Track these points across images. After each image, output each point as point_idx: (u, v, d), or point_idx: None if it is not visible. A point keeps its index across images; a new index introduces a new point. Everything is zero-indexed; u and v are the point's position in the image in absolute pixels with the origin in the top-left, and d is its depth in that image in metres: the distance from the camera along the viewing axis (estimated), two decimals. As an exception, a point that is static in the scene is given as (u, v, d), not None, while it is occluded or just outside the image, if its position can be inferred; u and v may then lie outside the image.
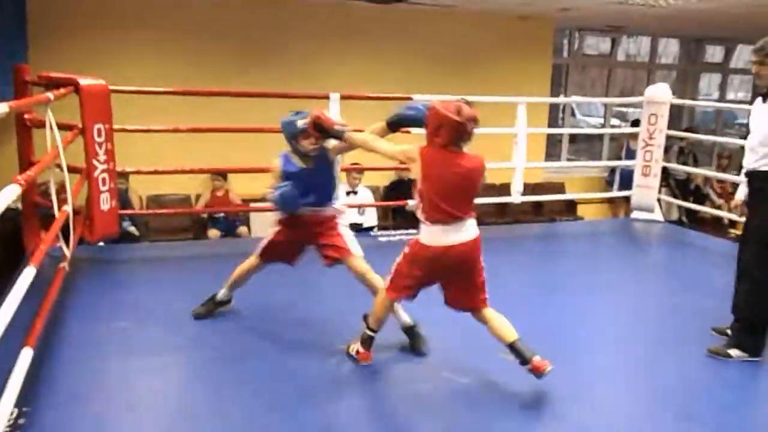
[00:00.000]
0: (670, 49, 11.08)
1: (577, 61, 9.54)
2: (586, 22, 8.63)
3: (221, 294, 3.58)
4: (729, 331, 3.39)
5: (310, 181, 3.20)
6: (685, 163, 8.57)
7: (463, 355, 3.15)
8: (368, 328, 3.03)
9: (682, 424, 2.64)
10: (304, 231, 3.32)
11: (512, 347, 2.79)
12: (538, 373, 2.72)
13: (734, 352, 3.17)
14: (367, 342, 3.03)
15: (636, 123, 9.02)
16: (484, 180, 2.91)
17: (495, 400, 2.77)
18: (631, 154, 8.26)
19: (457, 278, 2.88)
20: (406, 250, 2.92)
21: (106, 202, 4.45)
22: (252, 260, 3.50)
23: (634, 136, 8.15)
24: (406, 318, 3.19)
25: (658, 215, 6.29)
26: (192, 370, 3.03)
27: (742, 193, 3.49)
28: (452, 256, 2.79)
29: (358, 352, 3.04)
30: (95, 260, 4.52)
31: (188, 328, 3.41)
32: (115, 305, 3.65)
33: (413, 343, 3.17)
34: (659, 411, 2.75)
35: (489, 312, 2.89)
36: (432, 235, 2.80)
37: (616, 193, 7.22)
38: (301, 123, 3.15)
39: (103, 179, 4.41)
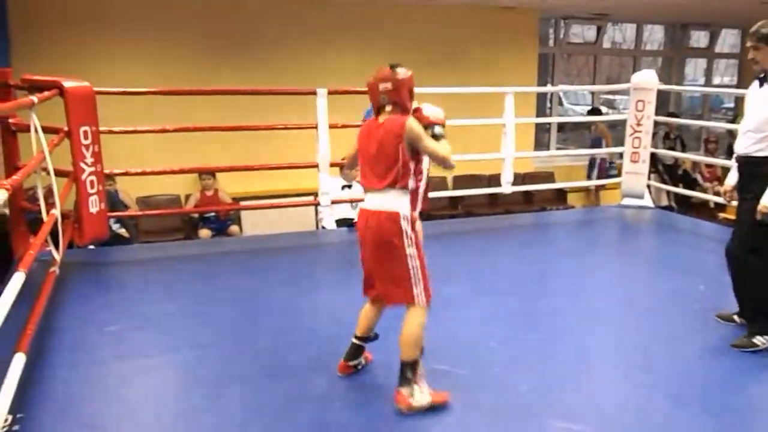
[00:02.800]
0: (655, 36, 11.11)
1: (563, 50, 9.54)
2: (571, 10, 8.63)
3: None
4: (736, 318, 3.36)
5: None
6: (672, 148, 8.60)
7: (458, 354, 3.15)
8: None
9: (678, 410, 2.65)
10: None
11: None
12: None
13: (758, 339, 3.10)
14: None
15: (595, 111, 9.13)
16: (410, 142, 2.55)
17: (488, 386, 2.77)
18: (596, 143, 8.36)
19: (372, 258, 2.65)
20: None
21: (94, 205, 4.43)
22: None
23: (597, 125, 8.21)
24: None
25: (647, 201, 6.31)
26: (187, 371, 3.01)
27: (733, 179, 3.42)
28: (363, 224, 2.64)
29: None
30: (86, 264, 4.49)
31: (181, 329, 3.39)
32: (107, 308, 3.63)
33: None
34: (652, 395, 2.76)
35: (408, 316, 2.60)
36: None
37: (602, 181, 7.23)
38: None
39: (91, 182, 4.38)
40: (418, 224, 2.77)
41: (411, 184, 2.62)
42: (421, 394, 2.54)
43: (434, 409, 2.54)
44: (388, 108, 2.61)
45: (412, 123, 2.56)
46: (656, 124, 8.29)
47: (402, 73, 2.62)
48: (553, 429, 2.47)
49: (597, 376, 2.97)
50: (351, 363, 2.84)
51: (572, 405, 2.66)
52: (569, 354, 3.12)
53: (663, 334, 3.39)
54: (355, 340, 2.83)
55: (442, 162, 2.62)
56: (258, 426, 2.51)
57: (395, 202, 2.57)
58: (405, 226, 2.56)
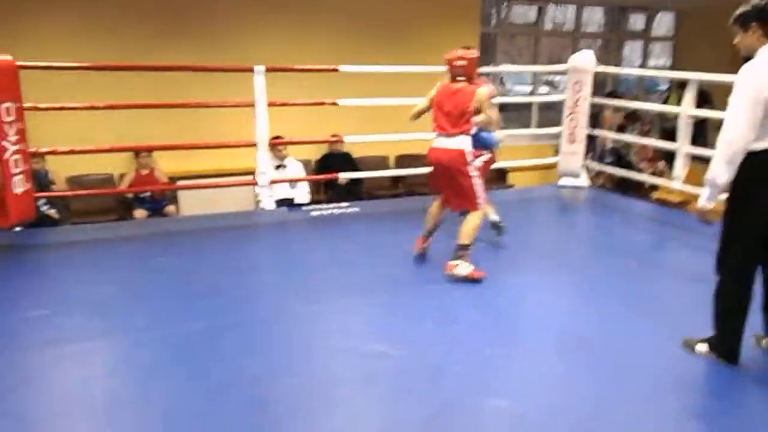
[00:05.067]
0: (596, 17, 11.28)
1: (504, 30, 9.60)
2: (512, -10, 8.66)
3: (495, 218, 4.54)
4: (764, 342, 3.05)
5: None
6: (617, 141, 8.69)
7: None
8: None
9: (608, 387, 2.73)
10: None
11: (458, 246, 3.76)
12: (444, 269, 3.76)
13: (702, 348, 2.96)
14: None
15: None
16: (478, 105, 3.73)
17: (424, 367, 2.79)
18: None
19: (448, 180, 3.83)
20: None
21: (20, 185, 4.26)
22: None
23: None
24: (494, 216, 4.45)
25: (583, 181, 6.45)
26: (116, 356, 2.94)
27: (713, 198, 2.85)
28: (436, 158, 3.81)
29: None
30: (11, 246, 4.31)
31: (109, 313, 3.30)
32: (32, 293, 3.50)
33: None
34: (587, 371, 2.84)
35: (469, 215, 3.82)
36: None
37: (541, 161, 7.32)
38: None
39: (15, 161, 4.21)
40: (478, 160, 4.04)
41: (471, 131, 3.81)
42: (464, 268, 3.72)
43: (470, 280, 3.70)
44: (460, 78, 3.77)
45: (482, 91, 3.74)
46: (632, 115, 8.49)
47: (473, 53, 3.82)
48: (486, 405, 2.51)
49: (527, 356, 3.02)
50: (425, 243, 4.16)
51: (501, 384, 2.70)
52: (499, 335, 3.17)
53: (594, 313, 3.48)
54: (426, 234, 4.14)
55: (495, 124, 4.13)
56: (189, 409, 2.47)
57: (462, 143, 3.75)
58: (469, 158, 3.76)
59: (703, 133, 9.14)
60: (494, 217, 4.52)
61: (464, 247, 3.75)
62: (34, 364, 2.79)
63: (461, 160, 3.73)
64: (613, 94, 9.22)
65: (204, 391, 2.60)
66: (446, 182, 3.85)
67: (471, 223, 3.79)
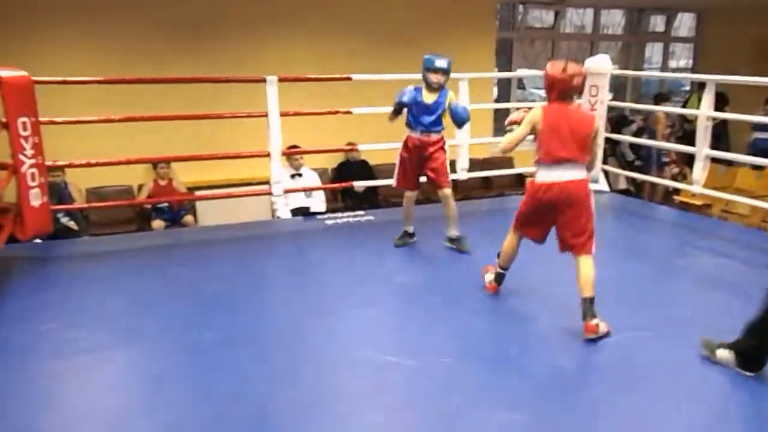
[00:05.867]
0: (616, 19, 11.18)
1: (521, 35, 9.54)
2: (529, -6, 8.63)
3: (408, 229, 4.51)
4: None
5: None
6: (638, 147, 8.59)
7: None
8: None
9: (623, 394, 2.67)
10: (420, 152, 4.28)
11: (583, 301, 3.13)
12: (586, 333, 3.07)
13: (723, 354, 2.85)
14: (499, 278, 3.60)
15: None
16: (595, 135, 3.26)
17: (436, 377, 2.76)
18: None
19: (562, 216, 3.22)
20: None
21: (37, 198, 4.30)
22: (407, 194, 4.45)
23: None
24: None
25: (603, 185, 6.36)
26: (124, 367, 2.95)
27: None
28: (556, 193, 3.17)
29: (491, 282, 3.58)
30: (30, 258, 4.36)
31: (120, 325, 3.31)
32: (46, 305, 3.53)
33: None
34: (600, 381, 2.78)
35: (583, 260, 3.18)
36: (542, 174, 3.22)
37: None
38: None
39: (32, 174, 4.25)
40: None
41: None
42: (603, 326, 3.10)
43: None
44: (575, 97, 3.25)
45: (598, 122, 3.37)
46: (624, 116, 8.40)
47: (581, 68, 3.26)
48: (496, 418, 2.47)
49: (550, 358, 2.97)
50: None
51: (514, 395, 2.66)
52: (514, 341, 3.13)
53: (612, 318, 3.41)
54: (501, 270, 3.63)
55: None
56: (197, 420, 2.46)
57: (584, 172, 3.21)
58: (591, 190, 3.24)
59: (726, 135, 9.00)
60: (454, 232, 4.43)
61: (593, 300, 3.14)
62: (45, 376, 2.81)
63: (586, 191, 3.18)
64: (661, 97, 9.08)
65: (212, 402, 2.59)
66: (561, 219, 3.22)
67: (592, 270, 3.17)
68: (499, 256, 3.60)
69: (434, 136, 4.28)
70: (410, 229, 4.55)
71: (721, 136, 8.55)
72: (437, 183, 4.32)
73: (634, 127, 8.79)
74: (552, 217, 3.25)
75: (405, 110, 4.28)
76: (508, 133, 3.37)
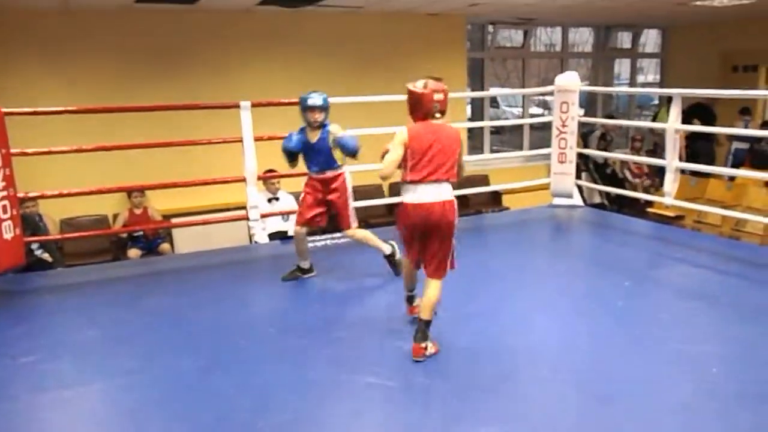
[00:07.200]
0: (585, 38, 11.40)
1: (492, 54, 9.69)
2: (497, 15, 8.77)
3: (302, 264, 4.32)
4: None
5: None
6: (605, 149, 8.79)
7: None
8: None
9: (602, 409, 2.69)
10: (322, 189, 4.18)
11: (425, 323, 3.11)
12: (412, 354, 3.06)
13: None
14: (410, 300, 3.53)
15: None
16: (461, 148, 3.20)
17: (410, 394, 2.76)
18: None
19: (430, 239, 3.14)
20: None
21: (8, 231, 4.25)
22: (297, 230, 4.25)
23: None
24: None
25: (577, 200, 6.44)
26: (105, 401, 2.90)
27: None
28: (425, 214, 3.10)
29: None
30: (3, 292, 4.29)
31: (101, 356, 3.27)
32: (22, 338, 3.47)
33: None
34: (577, 393, 2.80)
35: (432, 282, 3.16)
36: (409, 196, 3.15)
37: (534, 182, 7.31)
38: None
39: (3, 207, 4.21)
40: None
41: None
42: (431, 347, 3.10)
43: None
44: (438, 115, 3.13)
45: (460, 135, 3.21)
46: (589, 124, 8.56)
47: (444, 84, 3.15)
48: (477, 436, 2.47)
49: (520, 377, 2.98)
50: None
51: (493, 408, 2.66)
52: (494, 356, 3.14)
53: (585, 332, 3.45)
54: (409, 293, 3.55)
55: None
56: (176, 454, 2.43)
57: (451, 192, 3.15)
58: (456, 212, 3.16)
59: (711, 147, 9.17)
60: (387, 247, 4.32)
61: (428, 324, 3.12)
62: (19, 414, 2.76)
63: (453, 214, 3.13)
64: (610, 116, 9.27)
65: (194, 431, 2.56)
66: (427, 242, 3.16)
67: (437, 292, 3.16)
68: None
69: (330, 173, 4.17)
70: (305, 265, 4.37)
71: (704, 148, 8.75)
72: (340, 226, 4.29)
73: (598, 133, 8.98)
74: (420, 239, 3.17)
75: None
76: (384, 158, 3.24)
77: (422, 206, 3.09)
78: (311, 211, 4.20)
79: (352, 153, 4.09)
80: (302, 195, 4.28)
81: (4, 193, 4.16)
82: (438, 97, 3.09)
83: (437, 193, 3.09)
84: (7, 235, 4.21)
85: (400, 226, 3.24)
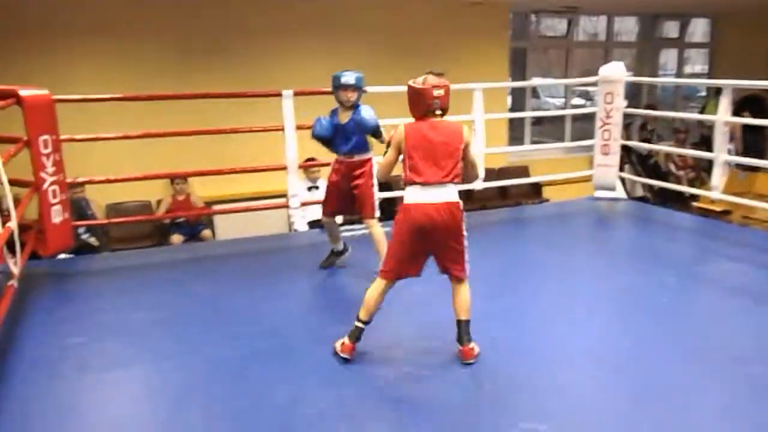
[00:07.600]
0: (630, 27, 11.13)
1: (535, 44, 9.55)
2: (541, 4, 8.64)
3: (335, 247, 4.29)
4: None
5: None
6: (647, 139, 8.63)
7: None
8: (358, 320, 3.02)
9: (638, 411, 2.65)
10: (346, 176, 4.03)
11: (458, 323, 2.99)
12: (462, 358, 2.95)
13: None
14: (356, 334, 3.03)
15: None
16: (465, 147, 2.94)
17: (457, 384, 2.75)
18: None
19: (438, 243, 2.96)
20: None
21: (58, 215, 4.36)
22: (323, 219, 4.21)
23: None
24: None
25: (620, 193, 6.33)
26: (150, 383, 2.97)
27: None
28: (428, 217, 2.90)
29: (344, 344, 3.01)
30: (52, 274, 4.41)
31: (145, 339, 3.34)
32: (70, 320, 3.56)
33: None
34: (619, 391, 2.76)
35: (460, 286, 3.01)
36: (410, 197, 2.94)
37: (576, 174, 7.21)
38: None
39: (53, 191, 4.31)
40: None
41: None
42: (476, 347, 2.98)
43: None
44: (438, 112, 2.92)
45: (467, 131, 2.96)
46: (630, 115, 8.39)
47: (446, 80, 2.94)
48: (518, 430, 2.46)
49: (564, 374, 2.95)
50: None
51: (538, 404, 2.64)
52: (536, 351, 3.11)
53: (628, 328, 3.39)
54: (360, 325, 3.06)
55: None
56: (217, 437, 2.48)
57: (455, 193, 2.93)
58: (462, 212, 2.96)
59: (762, 141, 8.90)
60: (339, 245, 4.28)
61: (469, 323, 3.01)
62: (68, 393, 2.84)
63: (460, 216, 2.93)
64: (650, 106, 9.06)
65: (230, 418, 2.60)
66: (433, 246, 2.96)
67: (467, 295, 3.02)
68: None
69: (357, 158, 3.99)
70: (338, 247, 4.31)
71: (755, 141, 8.50)
72: (361, 213, 4.06)
73: (638, 122, 8.83)
74: (423, 244, 2.95)
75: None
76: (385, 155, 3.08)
77: (423, 207, 2.89)
78: (334, 204, 4.12)
79: (371, 131, 3.92)
80: (327, 183, 4.18)
81: (54, 178, 4.27)
82: (438, 93, 2.89)
83: (438, 194, 2.89)
84: (57, 219, 4.32)
85: (398, 226, 2.98)
